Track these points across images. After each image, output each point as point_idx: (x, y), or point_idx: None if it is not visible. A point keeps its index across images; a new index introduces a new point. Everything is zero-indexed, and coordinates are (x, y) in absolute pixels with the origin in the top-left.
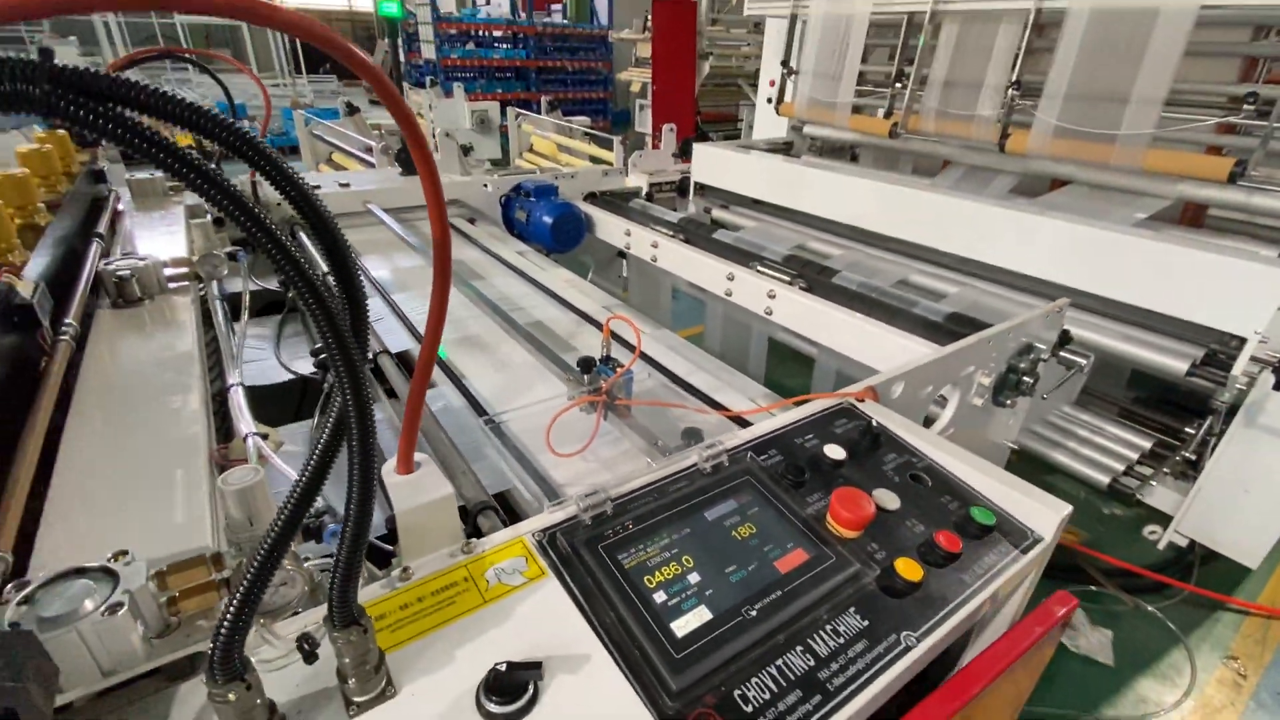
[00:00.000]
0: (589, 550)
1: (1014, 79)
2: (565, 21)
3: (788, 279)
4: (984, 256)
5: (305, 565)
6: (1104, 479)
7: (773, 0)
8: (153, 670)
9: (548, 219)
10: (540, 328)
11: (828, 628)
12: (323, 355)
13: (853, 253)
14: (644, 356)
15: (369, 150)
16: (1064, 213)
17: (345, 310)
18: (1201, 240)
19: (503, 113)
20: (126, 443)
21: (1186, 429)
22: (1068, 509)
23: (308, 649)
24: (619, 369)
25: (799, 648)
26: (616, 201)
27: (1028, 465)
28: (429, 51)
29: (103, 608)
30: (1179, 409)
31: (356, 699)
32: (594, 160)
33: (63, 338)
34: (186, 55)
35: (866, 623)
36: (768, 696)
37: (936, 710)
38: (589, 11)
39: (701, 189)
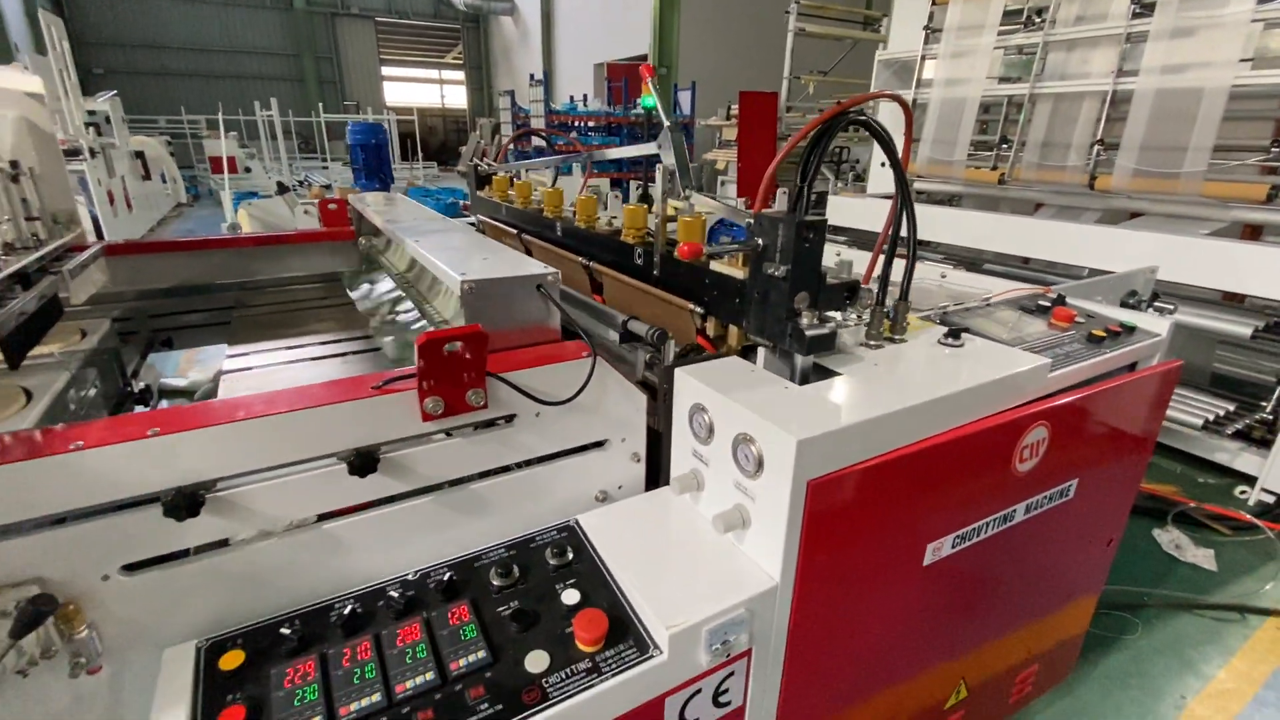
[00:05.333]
0: None
1: (1098, 137)
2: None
3: (952, 265)
4: (1084, 262)
5: None
6: (1198, 420)
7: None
8: None
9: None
10: None
11: None
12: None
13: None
14: None
15: None
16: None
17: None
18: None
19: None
20: None
21: (1262, 402)
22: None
23: None
24: None
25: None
26: None
27: None
28: (538, 140)
29: None
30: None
31: (895, 334)
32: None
33: None
34: (543, 134)
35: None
36: None
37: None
38: (672, 103)
39: (833, 229)
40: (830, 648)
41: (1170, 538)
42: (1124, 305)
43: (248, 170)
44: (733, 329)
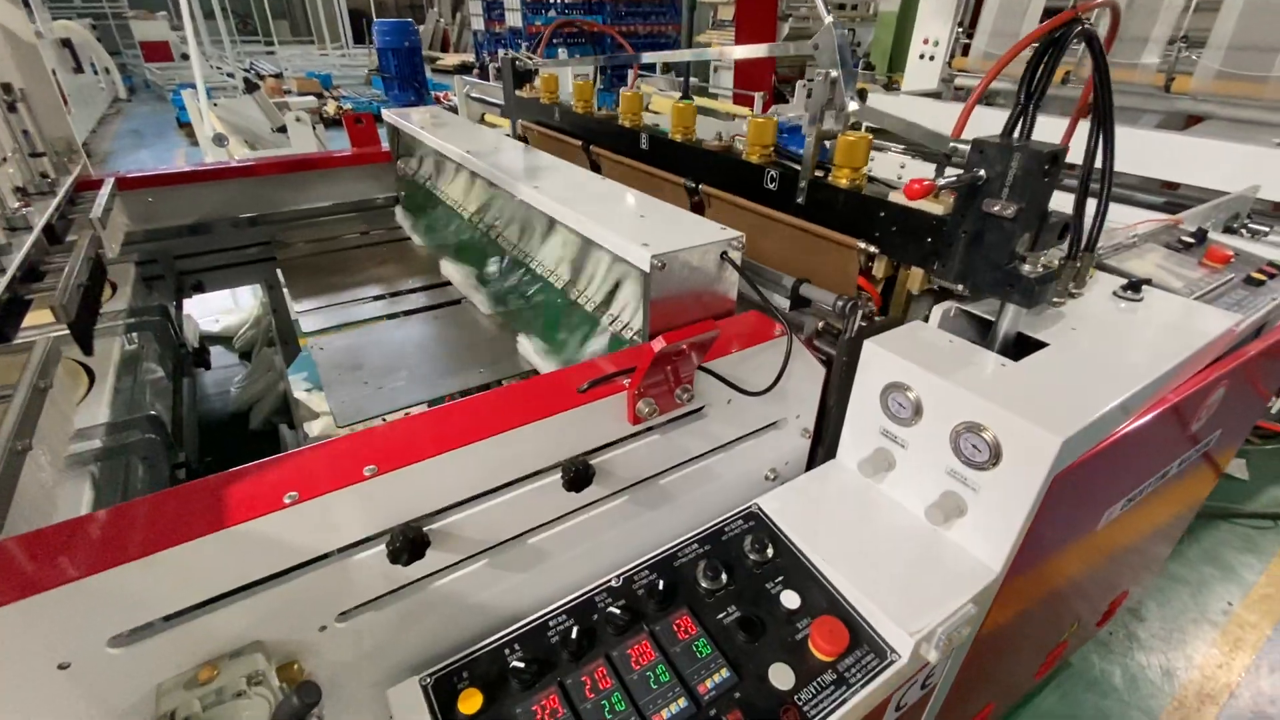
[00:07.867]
0: None
1: (1181, 33)
2: None
3: None
4: (1141, 171)
5: None
6: None
7: None
8: None
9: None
10: None
11: None
12: None
13: None
14: None
15: None
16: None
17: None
18: None
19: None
20: None
21: None
22: None
23: None
24: None
25: None
26: None
27: None
28: (514, 20)
29: None
30: None
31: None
32: (704, 113)
33: None
34: (581, 26)
35: None
36: None
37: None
38: None
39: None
40: (1012, 622)
41: None
42: (1227, 230)
43: (185, 58)
44: (914, 273)
